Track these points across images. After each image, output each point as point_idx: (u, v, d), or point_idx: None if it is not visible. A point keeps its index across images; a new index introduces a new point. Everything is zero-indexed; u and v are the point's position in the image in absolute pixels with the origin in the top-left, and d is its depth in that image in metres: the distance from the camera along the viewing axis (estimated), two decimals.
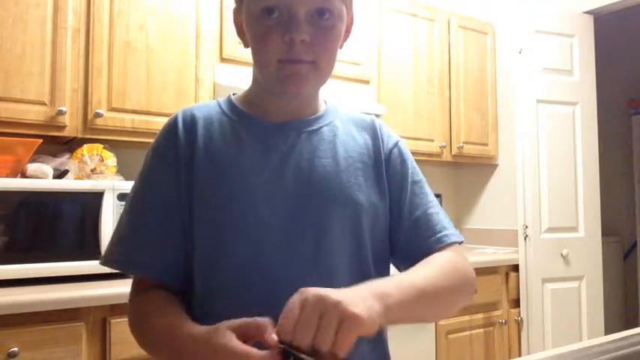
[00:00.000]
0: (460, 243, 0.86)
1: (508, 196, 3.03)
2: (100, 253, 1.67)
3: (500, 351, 2.65)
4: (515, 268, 2.71)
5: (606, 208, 3.13)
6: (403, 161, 0.88)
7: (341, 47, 0.82)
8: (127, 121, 1.96)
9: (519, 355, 2.65)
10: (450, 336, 2.46)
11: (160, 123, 0.88)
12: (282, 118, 0.83)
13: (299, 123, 0.84)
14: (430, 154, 2.85)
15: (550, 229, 2.71)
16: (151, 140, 0.86)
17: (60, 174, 1.85)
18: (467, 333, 2.53)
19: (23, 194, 1.65)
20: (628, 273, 4.08)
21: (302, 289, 0.60)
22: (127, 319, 0.82)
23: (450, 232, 0.85)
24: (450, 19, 3.00)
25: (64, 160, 1.91)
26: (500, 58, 3.16)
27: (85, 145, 1.93)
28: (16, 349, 1.42)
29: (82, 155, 1.91)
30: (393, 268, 0.88)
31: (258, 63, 0.80)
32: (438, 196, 0.92)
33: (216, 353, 0.61)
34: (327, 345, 0.56)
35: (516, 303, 2.71)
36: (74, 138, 1.94)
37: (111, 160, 1.96)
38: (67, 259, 1.68)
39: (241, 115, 0.85)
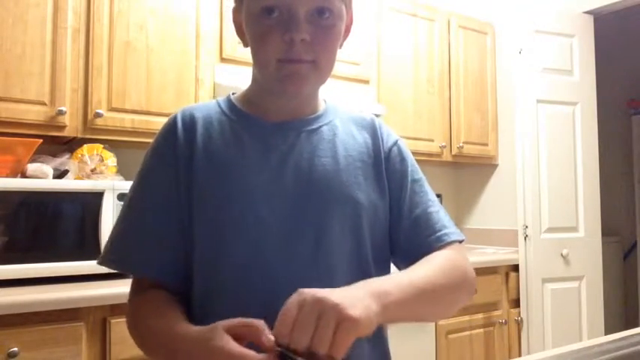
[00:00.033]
0: (461, 241, 0.86)
1: (508, 196, 3.03)
2: (99, 253, 1.66)
3: (500, 351, 2.65)
4: (515, 268, 2.71)
5: (606, 208, 3.13)
6: (403, 160, 0.88)
7: (341, 46, 0.82)
8: (127, 121, 1.96)
9: (519, 355, 2.65)
10: (450, 336, 2.46)
11: (159, 123, 0.88)
12: (282, 118, 0.83)
13: (298, 122, 0.84)
14: (430, 154, 2.85)
15: (550, 229, 2.71)
16: (151, 140, 0.86)
17: (60, 174, 1.85)
18: (467, 333, 2.53)
19: (23, 194, 1.65)
20: (628, 273, 4.08)
21: (299, 291, 0.60)
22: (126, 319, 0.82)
23: (450, 230, 0.85)
24: (450, 19, 3.00)
25: (64, 160, 1.91)
26: (500, 58, 3.16)
27: (85, 145, 1.93)
28: (16, 349, 1.42)
29: (82, 155, 1.91)
30: (393, 268, 0.88)
31: (258, 62, 0.80)
32: (438, 196, 0.92)
33: (213, 355, 0.61)
34: (324, 347, 0.56)
35: (516, 303, 2.71)
36: (74, 138, 1.94)
37: (111, 160, 1.96)
38: (67, 259, 1.68)
39: (241, 114, 0.84)
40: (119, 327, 1.56)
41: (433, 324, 2.38)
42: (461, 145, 2.97)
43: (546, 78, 2.78)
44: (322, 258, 0.77)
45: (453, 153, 2.96)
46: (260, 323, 0.61)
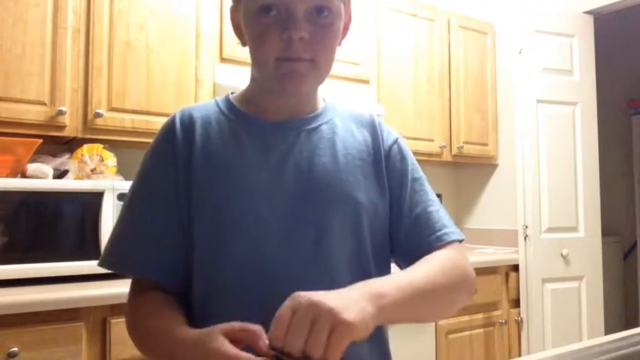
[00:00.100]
0: (461, 241, 0.86)
1: (508, 196, 3.03)
2: (99, 253, 1.66)
3: (500, 351, 2.65)
4: (515, 268, 2.71)
5: (606, 208, 3.13)
6: (403, 158, 0.88)
7: (339, 45, 0.82)
8: (127, 121, 1.96)
9: (519, 355, 2.65)
10: (450, 336, 2.46)
11: (159, 123, 0.88)
12: (281, 117, 0.83)
13: (298, 122, 0.84)
14: (430, 154, 2.85)
15: (550, 229, 2.71)
16: (151, 140, 0.86)
17: (60, 174, 1.85)
18: (467, 333, 2.53)
19: (23, 194, 1.65)
20: (628, 273, 4.08)
21: (294, 295, 0.60)
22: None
23: (450, 230, 0.84)
24: (450, 19, 3.00)
25: (64, 160, 1.91)
26: (500, 58, 3.16)
27: (85, 145, 1.93)
28: (16, 349, 1.42)
29: (82, 155, 1.91)
30: (394, 267, 0.88)
31: (256, 61, 0.80)
32: (438, 195, 0.92)
33: (209, 357, 0.61)
34: (318, 350, 0.56)
35: (516, 303, 2.71)
36: (74, 138, 1.94)
37: (111, 160, 1.96)
38: (67, 259, 1.68)
39: (239, 114, 0.84)
40: (119, 327, 1.56)
41: (433, 324, 2.38)
42: (461, 145, 2.97)
43: (546, 78, 2.78)
44: (322, 257, 0.77)
45: (453, 153, 2.96)
46: (257, 328, 0.61)
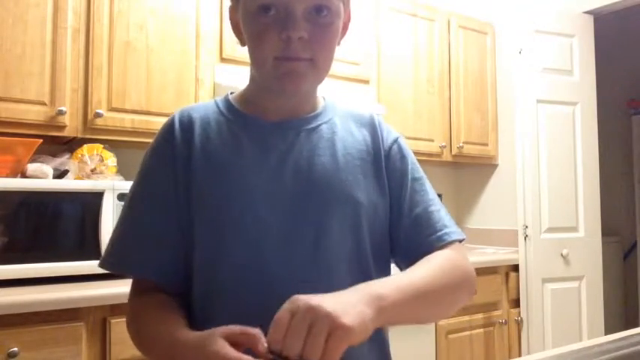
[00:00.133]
0: (461, 241, 0.85)
1: (508, 196, 3.03)
2: (100, 253, 1.67)
3: (500, 351, 2.65)
4: (515, 268, 2.71)
5: (606, 208, 3.13)
6: (403, 157, 0.88)
7: (339, 44, 0.82)
8: (127, 121, 1.96)
9: (519, 355, 2.65)
10: (450, 336, 2.46)
11: (159, 123, 0.88)
12: (281, 116, 0.83)
13: (298, 121, 0.84)
14: (430, 154, 2.85)
15: (550, 229, 2.71)
16: (151, 140, 0.86)
17: (60, 174, 1.85)
18: (467, 333, 2.53)
19: (23, 194, 1.65)
20: (628, 273, 4.08)
21: (293, 298, 0.60)
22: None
23: (451, 230, 0.84)
24: (450, 19, 3.00)
25: (64, 160, 1.91)
26: (500, 58, 3.16)
27: (85, 145, 1.93)
28: (16, 349, 1.42)
29: (82, 155, 1.91)
30: (394, 267, 0.88)
31: (255, 61, 0.80)
32: (438, 195, 0.92)
33: None
34: (316, 354, 0.56)
35: (516, 303, 2.71)
36: (74, 138, 1.94)
37: (111, 160, 1.96)
38: (67, 259, 1.68)
39: (239, 114, 0.84)
40: (119, 327, 1.56)
41: (433, 324, 2.38)
42: (461, 145, 2.97)
43: (546, 78, 2.78)
44: (322, 258, 0.77)
45: (453, 153, 2.96)
46: (257, 331, 0.61)
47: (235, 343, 0.61)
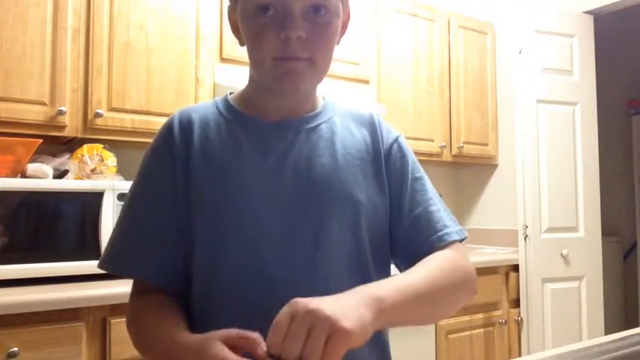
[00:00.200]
0: (462, 240, 0.85)
1: (508, 196, 3.03)
2: (100, 253, 1.67)
3: (500, 351, 2.65)
4: (515, 268, 2.71)
5: (606, 208, 3.13)
6: (403, 157, 0.87)
7: (338, 43, 0.82)
8: (127, 121, 1.96)
9: (519, 355, 2.65)
10: (450, 336, 2.46)
11: (159, 123, 0.88)
12: (280, 116, 0.83)
13: (297, 121, 0.83)
14: (430, 154, 2.85)
15: (550, 229, 2.71)
16: (151, 140, 0.86)
17: (60, 174, 1.85)
18: (467, 333, 2.53)
19: (23, 194, 1.65)
20: (628, 273, 4.08)
21: (292, 301, 0.60)
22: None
23: (452, 229, 0.84)
24: (450, 19, 3.00)
25: (64, 160, 1.91)
26: (500, 58, 3.16)
27: (85, 145, 1.93)
28: (16, 349, 1.42)
29: (82, 155, 1.91)
30: (394, 267, 0.88)
31: (254, 61, 0.79)
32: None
33: None
34: (315, 357, 0.56)
35: (516, 303, 2.71)
36: (74, 138, 1.94)
37: (111, 160, 1.96)
38: (67, 259, 1.68)
39: (238, 115, 0.84)
40: (119, 327, 1.56)
41: (433, 324, 2.38)
42: (461, 145, 2.97)
43: (546, 78, 2.78)
44: (321, 257, 0.77)
45: (453, 153, 2.96)
46: (256, 335, 0.61)
47: (234, 346, 0.61)
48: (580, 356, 0.93)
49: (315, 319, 0.57)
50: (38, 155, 1.85)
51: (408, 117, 2.79)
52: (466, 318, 2.52)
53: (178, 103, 2.03)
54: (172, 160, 0.81)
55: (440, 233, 0.82)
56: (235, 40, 0.84)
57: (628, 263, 4.09)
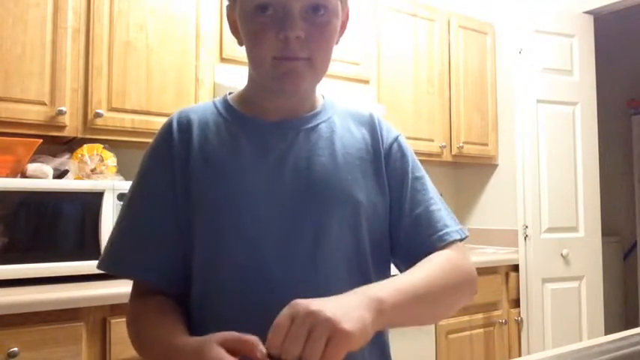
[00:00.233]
0: (463, 239, 0.85)
1: (508, 196, 3.03)
2: (99, 253, 1.66)
3: (500, 351, 2.65)
4: (515, 268, 2.71)
5: (606, 208, 3.13)
6: (403, 156, 0.87)
7: (337, 43, 0.81)
8: (127, 121, 1.96)
9: (519, 355, 2.65)
10: (450, 336, 2.46)
11: (159, 123, 0.88)
12: (280, 116, 0.83)
13: (297, 121, 0.83)
14: (430, 154, 2.85)
15: (550, 229, 2.71)
16: (151, 140, 0.86)
17: (60, 174, 1.85)
18: (467, 333, 2.53)
19: (23, 194, 1.65)
20: (628, 273, 4.08)
21: (293, 302, 0.60)
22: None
23: (452, 229, 0.83)
24: (450, 19, 3.00)
25: (64, 160, 1.91)
26: (500, 58, 3.16)
27: (85, 145, 1.93)
28: (16, 349, 1.42)
29: (82, 155, 1.91)
30: (394, 268, 0.88)
31: (253, 61, 0.79)
32: None
33: None
34: (315, 358, 0.56)
35: (516, 303, 2.71)
36: (74, 138, 1.94)
37: (111, 160, 1.96)
38: (67, 259, 1.68)
39: (237, 115, 0.84)
40: (119, 327, 1.56)
41: (433, 324, 2.38)
42: (461, 145, 2.97)
43: (546, 78, 2.78)
44: (321, 257, 0.77)
45: (453, 153, 2.96)
46: (254, 338, 0.61)
47: (232, 349, 0.61)
48: (580, 356, 0.93)
49: (316, 320, 0.57)
50: (38, 155, 1.85)
51: (408, 117, 2.79)
52: (466, 318, 2.52)
53: (178, 103, 2.03)
54: (171, 161, 0.80)
55: (440, 233, 0.82)
56: (235, 40, 0.84)
57: (628, 263, 4.09)
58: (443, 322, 2.41)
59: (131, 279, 0.84)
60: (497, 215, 3.15)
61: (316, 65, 0.78)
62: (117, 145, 2.01)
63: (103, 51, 1.92)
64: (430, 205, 0.85)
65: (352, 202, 0.80)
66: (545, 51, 2.77)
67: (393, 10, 2.77)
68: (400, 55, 2.78)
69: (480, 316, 2.58)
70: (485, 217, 3.24)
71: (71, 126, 1.86)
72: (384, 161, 0.85)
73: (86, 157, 1.90)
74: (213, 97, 2.11)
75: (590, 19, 2.92)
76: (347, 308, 0.60)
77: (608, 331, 2.72)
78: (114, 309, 1.58)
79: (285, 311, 0.59)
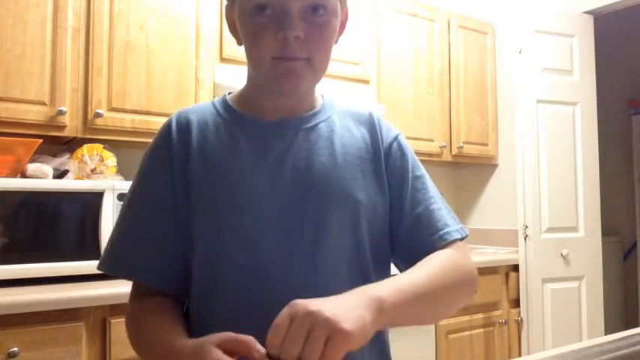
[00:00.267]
0: (464, 238, 0.85)
1: (508, 196, 3.03)
2: (99, 253, 1.67)
3: (500, 351, 2.65)
4: (515, 268, 2.71)
5: (606, 208, 3.13)
6: (403, 155, 0.87)
7: (336, 42, 0.81)
8: (127, 121, 1.96)
9: (519, 355, 2.65)
10: (450, 336, 2.46)
11: (159, 123, 0.88)
12: (279, 116, 0.83)
13: (296, 121, 0.83)
14: (430, 154, 2.85)
15: (550, 229, 2.71)
16: (151, 140, 0.86)
17: (60, 174, 1.85)
18: (467, 333, 2.53)
19: (23, 194, 1.65)
20: (628, 273, 4.07)
21: (292, 303, 0.60)
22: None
23: (453, 228, 0.83)
24: (450, 19, 3.00)
25: (64, 160, 1.91)
26: (500, 58, 3.16)
27: (85, 145, 1.93)
28: (16, 349, 1.42)
29: (82, 155, 1.91)
30: (394, 268, 0.88)
31: (252, 61, 0.79)
32: None
33: None
34: (314, 358, 0.56)
35: (516, 303, 2.71)
36: (74, 138, 1.94)
37: (111, 160, 1.96)
38: (67, 259, 1.68)
39: (236, 115, 0.84)
40: (119, 327, 1.56)
41: (433, 324, 2.38)
42: (461, 145, 2.97)
43: (546, 78, 2.78)
44: (321, 257, 0.77)
45: (453, 153, 2.96)
46: (250, 339, 0.61)
47: (229, 350, 0.61)
48: (580, 356, 0.93)
49: (315, 320, 0.57)
50: (38, 155, 1.85)
51: (408, 117, 2.79)
52: (466, 318, 2.52)
53: (178, 103, 2.03)
54: (171, 161, 0.80)
55: (441, 232, 0.82)
56: (235, 40, 0.84)
57: (628, 263, 4.09)
58: (443, 322, 2.41)
59: (131, 280, 0.84)
60: (497, 215, 3.15)
61: (315, 65, 0.77)
62: (117, 145, 2.01)
63: (103, 51, 1.92)
64: (430, 205, 0.84)
65: (352, 201, 0.80)
66: (545, 51, 2.77)
67: (393, 10, 2.77)
68: (400, 55, 2.78)
69: (480, 316, 2.58)
70: (485, 217, 3.24)
71: (71, 126, 1.86)
72: (384, 160, 0.85)
73: (86, 157, 1.90)
74: (213, 97, 2.11)
75: (590, 19, 2.92)
76: (346, 308, 0.60)
77: (608, 331, 2.72)
78: (114, 309, 1.58)
79: (285, 311, 0.59)
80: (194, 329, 0.75)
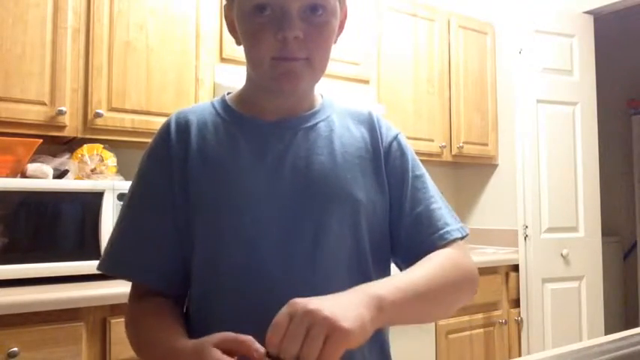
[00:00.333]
0: (464, 237, 0.85)
1: (508, 196, 3.03)
2: (99, 253, 1.67)
3: (500, 351, 2.65)
4: (515, 268, 2.71)
5: (606, 208, 3.13)
6: (403, 154, 0.86)
7: (335, 42, 0.81)
8: (127, 121, 1.96)
9: (519, 355, 2.65)
10: (450, 336, 2.46)
11: (159, 123, 0.88)
12: (279, 116, 0.83)
13: (296, 120, 0.83)
14: (430, 154, 2.85)
15: (550, 229, 2.71)
16: (151, 140, 0.86)
17: (60, 174, 1.85)
18: (467, 333, 2.53)
19: (23, 194, 1.65)
20: (628, 273, 4.07)
21: (291, 302, 0.60)
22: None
23: (453, 227, 0.83)
24: (450, 19, 3.00)
25: (64, 160, 1.91)
26: (500, 58, 3.16)
27: (85, 145, 1.93)
28: (16, 349, 1.42)
29: (82, 155, 1.91)
30: (394, 268, 0.88)
31: (251, 61, 0.79)
32: None
33: None
34: (313, 356, 0.56)
35: (516, 303, 2.71)
36: (74, 138, 1.94)
37: (111, 160, 1.96)
38: (67, 259, 1.68)
39: (235, 115, 0.84)
40: (119, 327, 1.56)
41: (433, 324, 2.38)
42: (461, 145, 2.97)
43: (546, 78, 2.78)
44: (321, 256, 0.77)
45: (453, 153, 2.96)
46: (249, 339, 0.61)
47: (229, 350, 0.61)
48: (580, 356, 0.93)
49: (314, 319, 0.57)
50: (38, 155, 1.85)
51: (408, 117, 2.79)
52: (466, 318, 2.52)
53: (178, 103, 2.03)
54: (170, 161, 0.80)
55: (441, 231, 0.82)
56: (235, 40, 0.84)
57: (628, 263, 4.09)
58: (443, 322, 2.41)
59: (131, 280, 0.84)
60: (497, 215, 3.15)
61: (315, 65, 0.77)
62: (117, 145, 2.01)
63: (103, 51, 1.92)
64: (431, 204, 0.84)
65: (352, 200, 0.80)
66: (545, 51, 2.77)
67: (393, 10, 2.77)
68: (400, 55, 2.78)
69: (480, 316, 2.58)
70: (485, 217, 3.24)
71: (71, 126, 1.86)
72: (384, 160, 0.85)
73: (86, 157, 1.90)
74: (213, 97, 2.11)
75: (590, 19, 2.92)
76: (346, 306, 0.60)
77: (608, 331, 2.72)
78: (114, 309, 1.58)
79: (284, 310, 0.59)
80: (194, 329, 0.75)
